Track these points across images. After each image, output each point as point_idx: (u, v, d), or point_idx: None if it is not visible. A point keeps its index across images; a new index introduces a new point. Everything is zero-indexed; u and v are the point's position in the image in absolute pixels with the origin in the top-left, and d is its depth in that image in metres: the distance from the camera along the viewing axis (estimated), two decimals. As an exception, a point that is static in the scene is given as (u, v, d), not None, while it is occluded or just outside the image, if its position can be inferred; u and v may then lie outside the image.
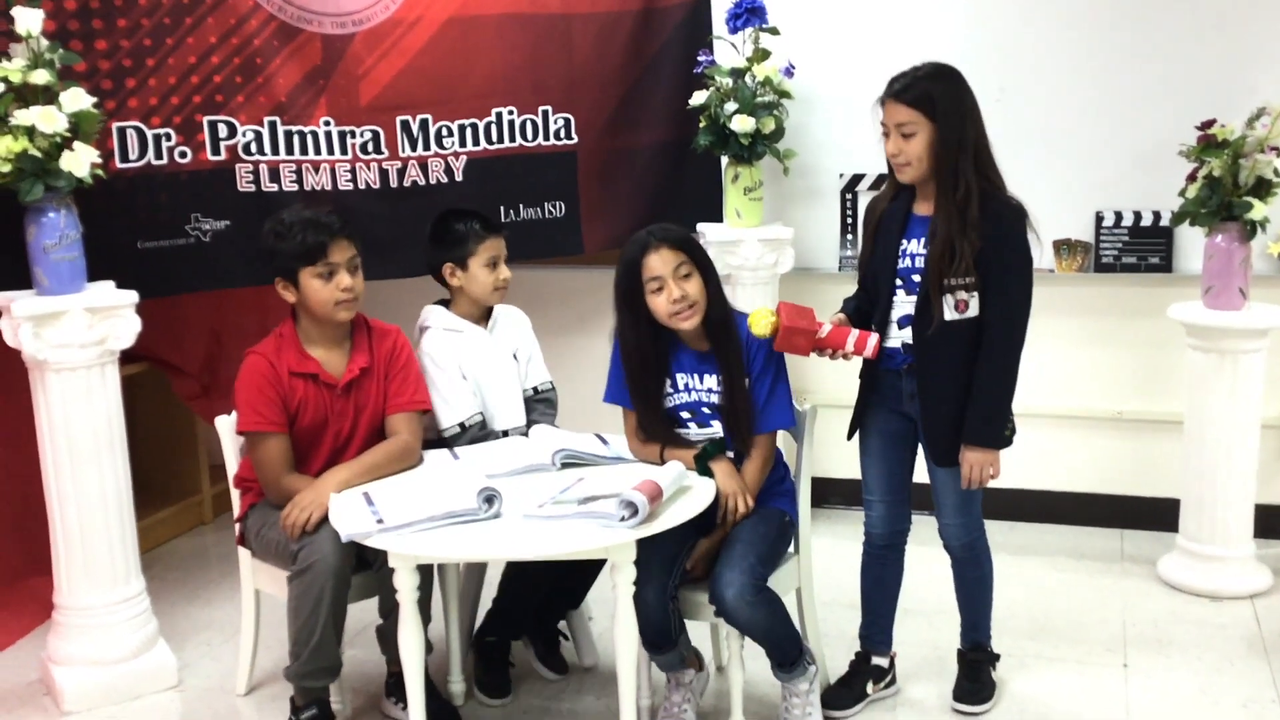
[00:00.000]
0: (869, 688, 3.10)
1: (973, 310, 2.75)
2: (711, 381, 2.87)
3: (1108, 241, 4.10)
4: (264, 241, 2.98)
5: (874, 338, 2.78)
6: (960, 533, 2.96)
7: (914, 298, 2.79)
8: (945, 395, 2.81)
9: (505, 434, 3.24)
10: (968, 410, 2.79)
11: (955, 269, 2.71)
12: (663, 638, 2.78)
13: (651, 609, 2.71)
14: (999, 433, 2.81)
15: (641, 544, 2.60)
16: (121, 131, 3.37)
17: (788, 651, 2.83)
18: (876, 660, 3.12)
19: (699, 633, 2.97)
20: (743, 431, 2.85)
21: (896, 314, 2.84)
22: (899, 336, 2.85)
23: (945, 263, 2.71)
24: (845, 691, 3.09)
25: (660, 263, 2.78)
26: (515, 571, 3.17)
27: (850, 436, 3.03)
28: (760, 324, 2.74)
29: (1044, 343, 4.05)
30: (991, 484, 2.85)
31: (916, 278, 2.79)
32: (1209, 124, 3.62)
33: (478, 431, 3.19)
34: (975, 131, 2.74)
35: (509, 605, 3.20)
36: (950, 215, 2.71)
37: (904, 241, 2.83)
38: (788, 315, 2.75)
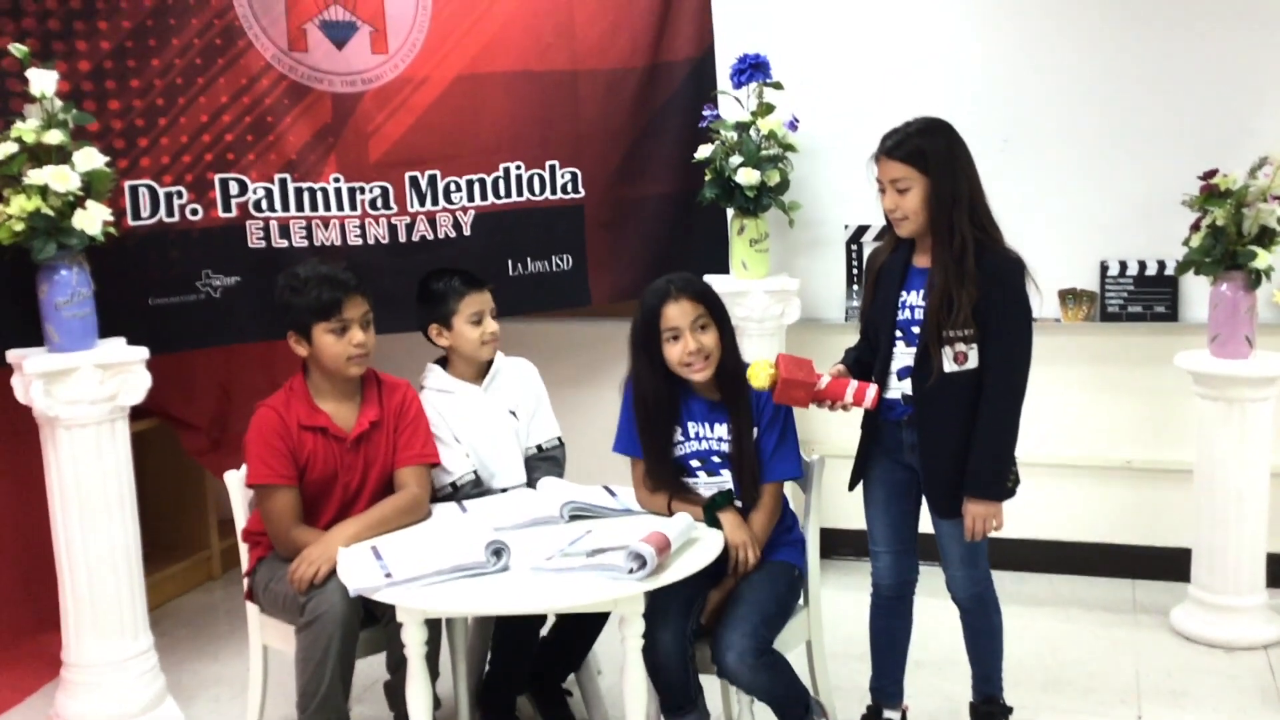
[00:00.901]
0: (880, 741, 3.08)
1: (972, 362, 2.75)
2: (722, 430, 2.88)
3: (1113, 290, 4.11)
4: (278, 295, 3.00)
5: (873, 389, 2.78)
6: (967, 584, 2.94)
7: (913, 349, 2.80)
8: (945, 447, 2.80)
9: (505, 491, 3.22)
10: (969, 462, 2.77)
11: (953, 321, 2.71)
12: (682, 695, 2.73)
13: (670, 657, 2.67)
14: (1000, 484, 2.80)
15: (656, 591, 2.58)
16: (134, 190, 3.41)
17: (791, 711, 2.79)
18: (888, 713, 3.10)
19: (709, 686, 2.94)
20: (750, 482, 2.85)
21: (896, 365, 2.85)
22: (899, 388, 2.85)
23: (943, 314, 2.72)
24: (857, 745, 3.07)
25: (679, 314, 2.81)
26: (503, 634, 3.12)
27: (852, 487, 3.03)
28: (759, 376, 2.74)
29: (1052, 392, 4.06)
30: (1001, 534, 2.84)
31: (915, 329, 2.79)
32: (1211, 174, 3.64)
33: (470, 490, 3.17)
34: (969, 184, 2.76)
35: (501, 668, 3.15)
36: (947, 267, 2.72)
37: (903, 293, 2.84)
38: (786, 367, 2.75)
